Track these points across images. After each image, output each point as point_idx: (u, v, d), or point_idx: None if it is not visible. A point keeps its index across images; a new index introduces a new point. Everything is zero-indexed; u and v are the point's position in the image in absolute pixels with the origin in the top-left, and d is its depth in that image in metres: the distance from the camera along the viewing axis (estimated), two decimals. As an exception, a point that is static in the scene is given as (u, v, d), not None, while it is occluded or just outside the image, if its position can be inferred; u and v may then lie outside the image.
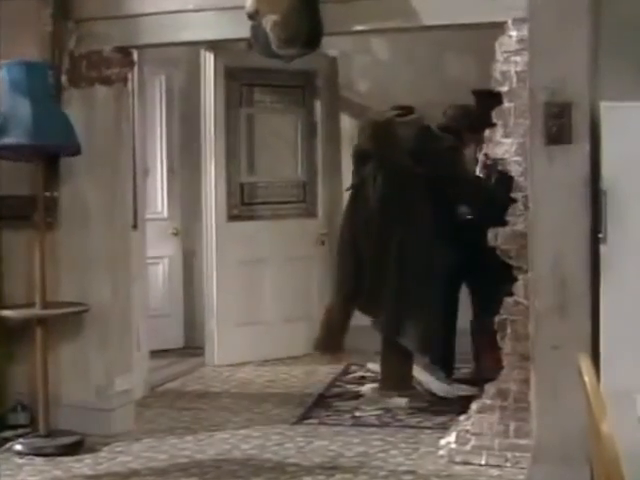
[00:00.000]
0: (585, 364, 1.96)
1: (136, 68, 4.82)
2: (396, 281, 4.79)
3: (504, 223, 3.76)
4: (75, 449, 4.16)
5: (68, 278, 4.42)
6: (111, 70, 4.40)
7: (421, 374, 5.15)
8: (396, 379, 4.98)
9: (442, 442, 4.05)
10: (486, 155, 4.97)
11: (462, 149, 4.97)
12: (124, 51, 4.47)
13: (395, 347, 4.92)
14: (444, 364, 5.17)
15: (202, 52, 5.95)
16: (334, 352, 5.15)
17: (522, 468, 3.72)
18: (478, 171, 5.11)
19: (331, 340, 5.12)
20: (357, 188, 5.02)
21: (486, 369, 4.89)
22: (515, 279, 3.76)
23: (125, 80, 4.53)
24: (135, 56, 4.64)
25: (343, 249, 5.03)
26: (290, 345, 6.00)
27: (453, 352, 5.18)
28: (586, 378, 1.89)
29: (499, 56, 3.78)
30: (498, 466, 3.82)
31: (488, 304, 5.02)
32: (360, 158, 5.03)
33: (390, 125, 4.96)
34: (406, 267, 4.79)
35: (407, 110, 5.02)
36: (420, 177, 4.75)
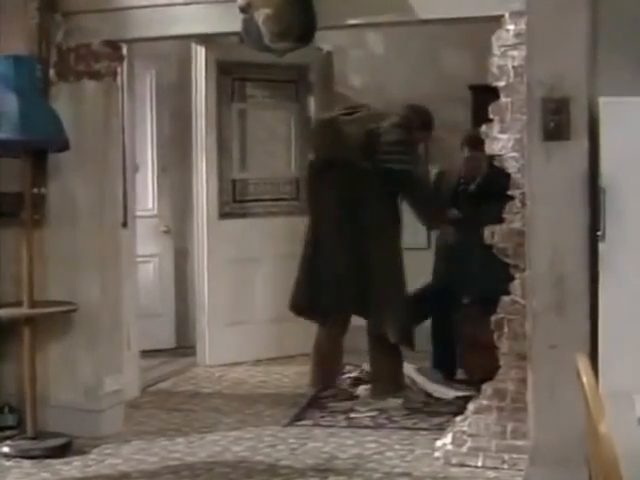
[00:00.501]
0: (583, 364, 1.96)
1: (125, 62, 4.80)
2: (363, 277, 4.88)
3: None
4: (63, 451, 4.15)
5: (56, 277, 4.41)
6: (100, 64, 4.39)
7: (417, 375, 5.16)
8: (387, 380, 4.99)
9: (438, 444, 4.05)
10: (471, 157, 5.09)
11: (411, 144, 5.09)
12: (113, 45, 4.46)
13: (382, 347, 4.94)
14: (445, 366, 5.18)
15: (193, 46, 5.94)
16: (329, 385, 5.19)
17: (519, 470, 3.72)
18: (463, 172, 5.28)
19: (324, 375, 5.17)
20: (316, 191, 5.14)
21: (471, 369, 4.92)
22: (512, 277, 3.76)
23: (114, 74, 4.52)
24: (124, 50, 4.64)
25: (303, 258, 5.10)
26: (283, 345, 6.00)
27: (454, 354, 5.19)
28: (584, 378, 1.89)
29: (496, 50, 3.78)
30: (495, 468, 3.82)
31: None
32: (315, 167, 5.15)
33: (335, 122, 5.10)
34: (370, 260, 4.87)
35: (358, 109, 5.18)
36: (369, 172, 4.88)
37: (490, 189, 4.99)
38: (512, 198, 3.77)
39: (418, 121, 5.10)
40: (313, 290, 5.01)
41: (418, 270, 5.36)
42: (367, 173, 4.89)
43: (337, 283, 4.93)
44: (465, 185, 5.28)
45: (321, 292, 4.98)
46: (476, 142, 5.06)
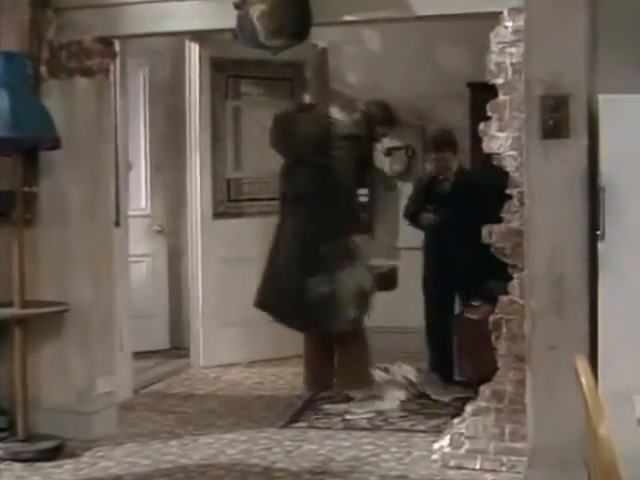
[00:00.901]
0: (582, 365, 1.96)
1: (118, 59, 4.80)
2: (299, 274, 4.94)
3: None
4: (55, 454, 4.15)
5: (48, 276, 4.40)
6: (92, 61, 4.38)
7: (414, 376, 5.16)
8: (351, 375, 5.04)
9: (435, 446, 4.05)
10: (436, 158, 5.21)
11: (368, 139, 5.22)
12: (105, 41, 4.45)
13: (343, 342, 5.03)
14: (442, 368, 5.18)
15: (187, 43, 5.94)
16: (323, 388, 5.22)
17: (518, 473, 3.72)
18: (434, 172, 5.42)
19: (316, 378, 5.23)
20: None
21: (466, 370, 4.93)
22: (510, 277, 3.77)
23: (107, 71, 4.51)
24: (117, 47, 4.63)
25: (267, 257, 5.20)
26: (278, 346, 5.99)
27: (450, 355, 5.20)
28: (583, 379, 1.89)
29: (494, 47, 3.78)
30: (493, 470, 3.82)
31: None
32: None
33: (290, 118, 5.25)
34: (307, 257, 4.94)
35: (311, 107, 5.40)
36: (322, 167, 4.99)
37: (464, 188, 5.06)
38: (510, 197, 3.77)
39: (379, 116, 5.21)
40: (271, 291, 5.08)
41: (418, 270, 5.39)
42: (322, 169, 4.99)
43: (290, 286, 4.98)
44: (440, 185, 5.32)
45: (277, 293, 5.05)
46: (440, 144, 5.24)
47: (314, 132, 5.08)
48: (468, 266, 4.96)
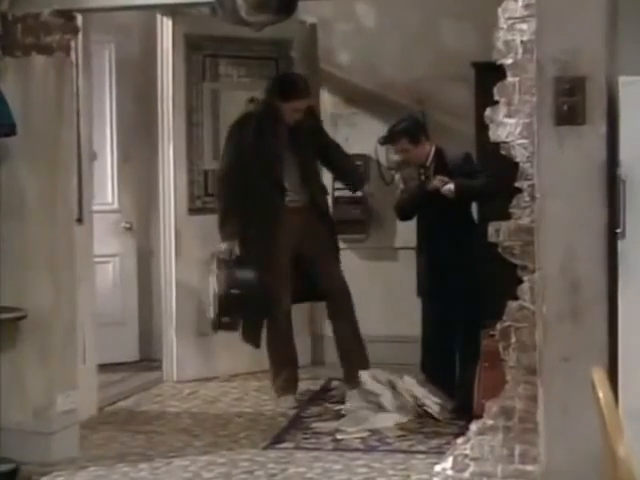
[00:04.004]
0: (600, 378, 1.96)
1: (80, 35, 4.79)
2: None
3: None
4: (9, 479, 4.12)
5: (2, 279, 4.38)
6: (51, 37, 4.37)
7: (419, 390, 5.16)
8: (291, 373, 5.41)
9: (437, 468, 4.05)
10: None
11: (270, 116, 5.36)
12: (66, 15, 4.44)
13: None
14: (443, 384, 5.18)
15: (158, 17, 5.94)
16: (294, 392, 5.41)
17: (528, 498, 3.73)
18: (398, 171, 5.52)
19: (286, 381, 5.40)
20: None
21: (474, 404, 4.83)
22: (518, 280, 3.77)
23: (67, 49, 4.50)
24: (79, 21, 4.62)
25: None
26: (261, 357, 5.97)
27: (453, 371, 5.19)
28: (601, 394, 1.89)
29: (502, 23, 3.78)
30: (501, 496, 3.83)
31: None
32: None
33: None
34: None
35: None
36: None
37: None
38: (520, 190, 3.78)
39: (275, 90, 5.37)
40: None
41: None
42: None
43: None
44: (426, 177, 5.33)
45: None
46: (391, 135, 5.27)
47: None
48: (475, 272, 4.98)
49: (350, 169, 5.71)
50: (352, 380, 5.27)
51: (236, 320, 5.33)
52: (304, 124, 5.39)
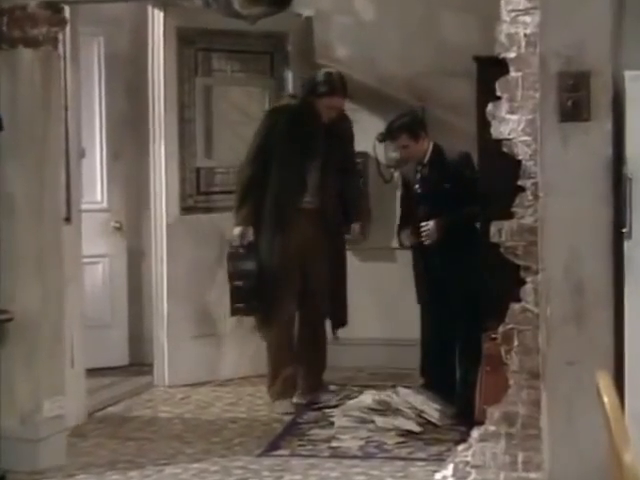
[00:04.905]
0: (605, 383, 1.96)
1: (68, 28, 4.78)
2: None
3: None
4: (-5, 487, 4.13)
5: (-13, 281, 4.38)
6: (38, 29, 4.37)
7: (417, 399, 5.15)
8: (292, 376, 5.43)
9: (437, 476, 4.06)
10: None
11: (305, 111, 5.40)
12: (53, 7, 4.44)
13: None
14: (443, 389, 5.18)
15: (149, 10, 5.92)
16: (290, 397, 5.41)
17: (531, 507, 3.73)
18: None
19: (283, 385, 5.41)
20: None
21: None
22: (520, 282, 3.77)
23: (55, 42, 4.50)
24: (67, 13, 4.61)
25: None
26: (256, 361, 5.98)
27: (453, 375, 5.19)
28: (606, 399, 1.89)
29: (505, 16, 3.79)
30: (503, 505, 3.83)
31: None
32: None
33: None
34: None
35: None
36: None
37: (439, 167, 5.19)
38: (523, 189, 3.78)
39: (311, 86, 5.47)
40: None
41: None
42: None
43: None
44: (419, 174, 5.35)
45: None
46: (391, 130, 5.29)
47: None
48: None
49: (354, 203, 5.66)
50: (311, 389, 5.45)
51: (250, 306, 5.40)
52: (338, 129, 5.44)
